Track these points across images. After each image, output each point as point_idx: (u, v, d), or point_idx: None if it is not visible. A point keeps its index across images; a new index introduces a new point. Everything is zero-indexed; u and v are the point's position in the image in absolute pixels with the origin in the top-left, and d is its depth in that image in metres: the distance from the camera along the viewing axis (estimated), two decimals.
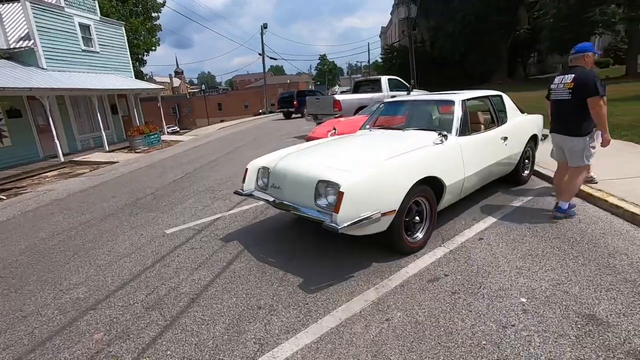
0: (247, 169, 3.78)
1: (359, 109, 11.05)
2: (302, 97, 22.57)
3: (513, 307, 2.37)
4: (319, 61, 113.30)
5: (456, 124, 3.75)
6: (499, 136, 4.17)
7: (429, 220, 3.31)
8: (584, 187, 4.26)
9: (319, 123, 12.06)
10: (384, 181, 2.84)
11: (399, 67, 33.60)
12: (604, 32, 22.72)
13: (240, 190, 3.75)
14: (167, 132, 20.71)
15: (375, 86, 12.13)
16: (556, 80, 3.65)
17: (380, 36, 67.06)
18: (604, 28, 19.69)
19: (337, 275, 2.95)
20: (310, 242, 3.63)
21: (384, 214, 2.79)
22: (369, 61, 70.41)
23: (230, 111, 54.89)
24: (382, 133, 4.09)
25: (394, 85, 12.13)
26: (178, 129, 37.56)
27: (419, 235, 3.26)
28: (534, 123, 5.02)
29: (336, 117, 10.66)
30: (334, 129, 4.71)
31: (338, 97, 10.93)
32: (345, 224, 2.59)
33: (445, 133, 3.45)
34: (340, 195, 2.64)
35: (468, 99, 4.05)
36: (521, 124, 4.70)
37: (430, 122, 4.08)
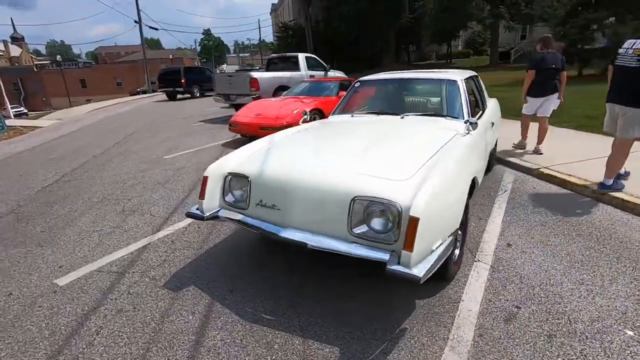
0: (206, 178, 2.44)
1: (278, 89, 9.91)
2: (191, 74, 19.84)
3: (630, 348, 1.85)
4: (203, 36, 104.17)
5: (465, 108, 3.13)
6: (489, 121, 3.74)
7: (463, 231, 2.62)
8: (563, 177, 4.20)
9: (235, 105, 10.51)
10: (450, 192, 1.99)
11: (294, 47, 32.72)
12: (469, 26, 26.09)
13: (197, 212, 2.43)
14: (12, 115, 15.76)
15: (292, 64, 11.05)
16: (625, 44, 3.32)
17: (270, 14, 64.74)
18: (477, 21, 22.39)
19: (382, 329, 2.03)
20: (307, 273, 2.59)
21: (450, 237, 1.96)
22: (260, 39, 67.71)
23: (98, 89, 46.44)
24: (377, 120, 3.20)
25: (311, 64, 11.24)
26: (26, 111, 29.82)
27: (457, 251, 2.55)
28: (498, 106, 4.83)
29: (254, 98, 9.34)
30: (305, 113, 3.62)
31: (255, 74, 9.52)
32: (427, 267, 1.67)
33: (473, 121, 2.76)
34: (413, 222, 1.68)
35: (466, 79, 3.47)
36: (495, 107, 4.42)
37: (428, 106, 3.36)
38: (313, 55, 11.46)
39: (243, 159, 2.54)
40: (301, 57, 10.96)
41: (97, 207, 4.17)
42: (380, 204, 1.85)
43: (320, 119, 7.00)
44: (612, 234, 3.01)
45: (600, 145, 5.30)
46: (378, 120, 3.19)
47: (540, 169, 4.47)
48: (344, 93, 7.76)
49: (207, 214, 2.38)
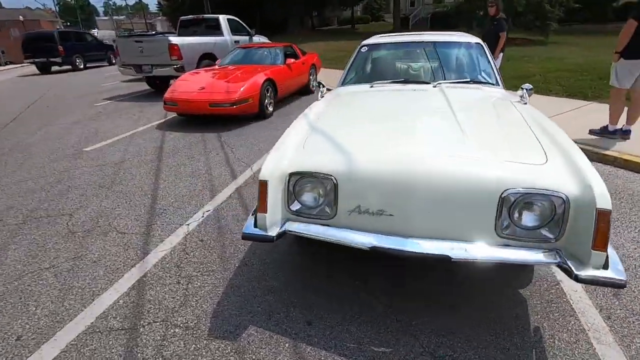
0: (264, 184, 1.75)
1: (203, 57, 8.60)
2: (70, 41, 16.16)
3: None
4: None
5: (498, 73, 2.94)
6: None
7: None
8: None
9: (150, 78, 8.87)
10: None
11: (189, 9, 29.11)
12: None
13: (260, 232, 1.75)
14: None
15: (211, 28, 9.60)
16: None
17: None
18: None
19: (518, 334, 1.78)
20: (381, 278, 2.17)
21: None
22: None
23: None
24: (412, 90, 2.78)
25: (234, 28, 9.96)
26: None
27: None
28: None
29: (176, 69, 7.98)
30: (320, 85, 2.95)
31: (176, 40, 7.99)
32: (620, 265, 1.43)
33: (529, 87, 2.56)
34: (604, 217, 1.40)
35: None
36: None
37: (458, 73, 3.05)
38: (235, 18, 10.15)
39: (301, 151, 1.90)
40: (223, 19, 9.59)
41: (27, 232, 2.94)
42: (538, 195, 1.51)
43: (273, 90, 6.30)
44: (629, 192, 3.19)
45: (553, 103, 5.78)
46: (412, 90, 2.78)
47: None
48: (292, 61, 7.11)
49: (276, 233, 1.74)
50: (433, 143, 1.78)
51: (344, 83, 3.18)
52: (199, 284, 2.24)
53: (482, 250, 1.55)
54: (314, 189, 1.79)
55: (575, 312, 1.92)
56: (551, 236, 1.54)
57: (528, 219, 1.56)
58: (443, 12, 21.68)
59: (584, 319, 1.87)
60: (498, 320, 1.87)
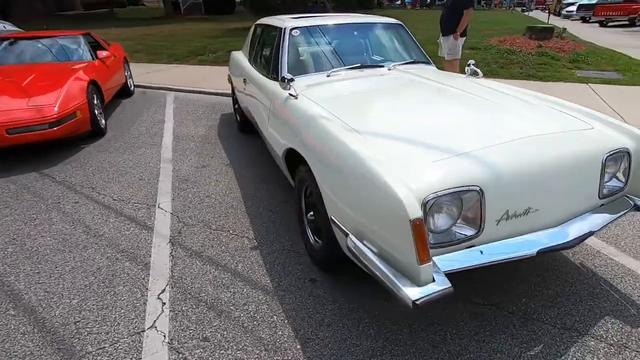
0: (419, 223, 1.20)
1: None
2: None
3: None
4: None
5: (424, 51, 3.13)
6: None
7: None
8: None
9: None
10: None
11: None
12: None
13: (433, 290, 1.23)
14: None
15: None
16: None
17: None
18: None
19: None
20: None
21: None
22: None
23: None
24: (381, 75, 2.56)
25: None
26: None
27: None
28: None
29: None
30: (289, 80, 2.16)
31: None
32: None
33: (473, 62, 2.80)
34: None
35: None
36: None
37: (398, 54, 3.00)
38: None
39: (406, 164, 1.44)
40: None
41: None
42: (617, 153, 1.72)
43: (99, 96, 4.60)
44: None
45: None
46: (380, 75, 2.58)
47: None
48: (105, 54, 5.36)
49: (446, 280, 1.27)
50: (519, 123, 1.73)
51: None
52: None
53: (600, 217, 1.66)
54: (446, 209, 1.41)
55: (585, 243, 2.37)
56: (621, 185, 1.80)
57: (608, 175, 1.77)
58: None
59: (591, 244, 2.34)
60: (567, 274, 2.08)
